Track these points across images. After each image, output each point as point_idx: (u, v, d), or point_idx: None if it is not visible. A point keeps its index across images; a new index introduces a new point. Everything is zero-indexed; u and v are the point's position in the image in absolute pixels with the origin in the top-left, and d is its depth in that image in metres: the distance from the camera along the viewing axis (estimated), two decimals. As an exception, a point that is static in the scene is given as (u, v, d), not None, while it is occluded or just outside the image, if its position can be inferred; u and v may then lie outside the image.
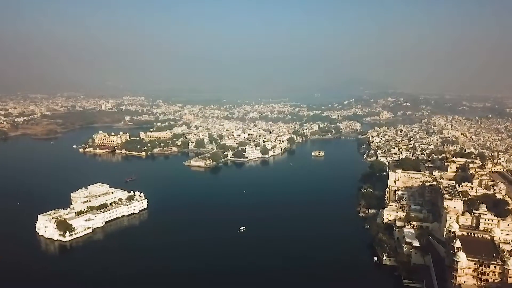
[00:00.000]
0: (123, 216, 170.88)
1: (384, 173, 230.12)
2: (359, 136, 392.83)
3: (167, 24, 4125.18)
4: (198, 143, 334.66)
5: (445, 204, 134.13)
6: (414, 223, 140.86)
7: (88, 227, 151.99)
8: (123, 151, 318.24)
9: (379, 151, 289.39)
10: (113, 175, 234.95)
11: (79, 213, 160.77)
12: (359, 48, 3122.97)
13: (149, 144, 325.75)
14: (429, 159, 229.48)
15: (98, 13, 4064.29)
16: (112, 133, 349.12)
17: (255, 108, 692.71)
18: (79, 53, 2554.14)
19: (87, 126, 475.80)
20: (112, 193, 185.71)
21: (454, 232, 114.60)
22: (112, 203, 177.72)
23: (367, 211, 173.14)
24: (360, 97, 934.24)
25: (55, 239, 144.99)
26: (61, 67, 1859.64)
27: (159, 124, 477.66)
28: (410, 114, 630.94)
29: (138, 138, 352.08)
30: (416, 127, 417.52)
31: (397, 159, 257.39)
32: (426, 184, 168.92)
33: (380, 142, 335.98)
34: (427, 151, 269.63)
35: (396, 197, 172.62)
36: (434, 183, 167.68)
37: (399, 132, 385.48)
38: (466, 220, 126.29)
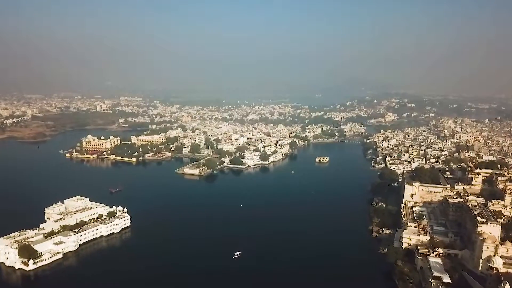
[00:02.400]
0: (101, 236, 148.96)
1: (396, 184, 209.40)
2: (365, 140, 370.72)
3: (167, 24, 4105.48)
4: (193, 147, 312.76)
5: (478, 229, 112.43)
6: (440, 250, 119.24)
7: (58, 252, 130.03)
8: (113, 156, 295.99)
9: (388, 158, 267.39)
10: (97, 185, 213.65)
11: (50, 234, 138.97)
12: (359, 48, 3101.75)
13: (140, 149, 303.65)
14: (446, 168, 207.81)
15: (98, 13, 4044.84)
16: (102, 137, 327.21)
17: (255, 109, 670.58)
18: (79, 53, 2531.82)
19: (78, 129, 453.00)
20: (91, 208, 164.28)
21: (497, 269, 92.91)
22: (90, 220, 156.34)
23: (381, 231, 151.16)
24: (362, 97, 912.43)
25: (17, 267, 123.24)
26: (60, 67, 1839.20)
27: (154, 126, 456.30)
28: (415, 116, 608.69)
29: (129, 142, 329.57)
30: (424, 130, 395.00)
31: (409, 167, 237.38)
32: (450, 200, 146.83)
33: (388, 147, 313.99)
34: (441, 158, 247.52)
35: (414, 214, 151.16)
36: (459, 199, 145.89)
37: (407, 136, 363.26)
38: (507, 250, 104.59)
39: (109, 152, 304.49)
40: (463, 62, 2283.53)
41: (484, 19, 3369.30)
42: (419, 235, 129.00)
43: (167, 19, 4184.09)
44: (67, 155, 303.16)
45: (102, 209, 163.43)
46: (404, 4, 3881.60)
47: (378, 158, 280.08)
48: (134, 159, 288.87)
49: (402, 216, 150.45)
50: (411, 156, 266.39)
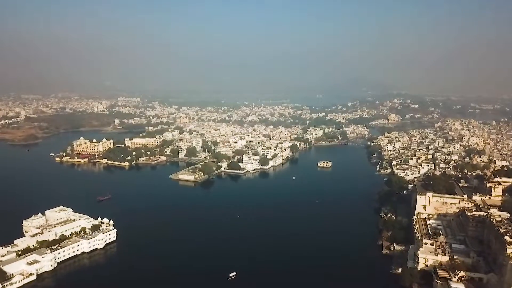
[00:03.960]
0: (83, 253, 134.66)
1: (405, 192, 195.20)
2: (368, 143, 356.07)
3: (167, 24, 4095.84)
4: (189, 151, 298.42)
5: (508, 251, 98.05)
6: (462, 273, 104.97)
7: (31, 274, 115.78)
8: (104, 160, 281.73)
9: (394, 162, 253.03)
10: (85, 192, 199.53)
11: (25, 251, 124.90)
12: (359, 48, 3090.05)
13: (134, 153, 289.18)
14: (459, 174, 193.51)
15: (98, 13, 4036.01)
16: (94, 140, 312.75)
17: (255, 110, 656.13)
18: (79, 53, 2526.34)
19: (72, 130, 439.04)
20: (73, 220, 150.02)
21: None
22: (72, 234, 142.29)
23: (392, 247, 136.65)
24: (364, 98, 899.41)
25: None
26: (60, 67, 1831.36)
27: (150, 128, 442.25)
28: (419, 117, 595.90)
29: (123, 145, 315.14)
30: (430, 133, 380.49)
31: (417, 173, 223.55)
32: (469, 214, 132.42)
33: (393, 150, 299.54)
34: (451, 163, 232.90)
35: (429, 229, 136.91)
36: (479, 212, 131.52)
37: (412, 138, 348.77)
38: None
39: (101, 155, 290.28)
40: (464, 62, 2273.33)
41: (485, 19, 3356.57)
42: (436, 255, 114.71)
43: (167, 19, 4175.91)
44: (57, 159, 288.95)
45: (86, 222, 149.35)
46: (405, 4, 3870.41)
47: (383, 163, 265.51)
48: (127, 163, 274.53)
49: (415, 231, 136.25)
50: (419, 160, 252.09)
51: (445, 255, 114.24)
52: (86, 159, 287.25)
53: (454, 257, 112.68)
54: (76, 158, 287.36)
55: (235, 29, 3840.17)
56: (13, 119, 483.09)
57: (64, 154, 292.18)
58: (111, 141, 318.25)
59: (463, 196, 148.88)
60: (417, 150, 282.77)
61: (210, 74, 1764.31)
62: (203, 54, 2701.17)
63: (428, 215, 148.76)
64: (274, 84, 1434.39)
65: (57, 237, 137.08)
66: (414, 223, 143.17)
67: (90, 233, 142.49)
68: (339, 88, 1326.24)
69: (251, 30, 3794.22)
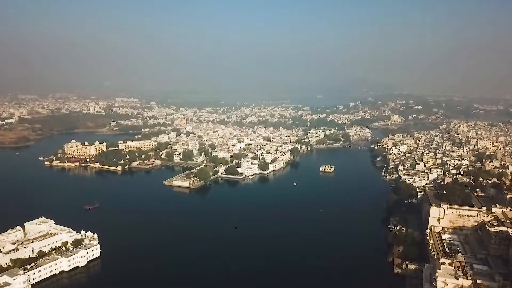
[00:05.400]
0: (62, 272, 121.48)
1: (414, 200, 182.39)
2: (372, 146, 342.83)
3: (167, 24, 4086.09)
4: (185, 155, 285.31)
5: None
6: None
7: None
8: (96, 165, 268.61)
9: (400, 167, 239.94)
10: (72, 200, 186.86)
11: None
12: (359, 48, 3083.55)
13: (127, 156, 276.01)
14: (472, 182, 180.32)
15: (98, 14, 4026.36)
16: (86, 143, 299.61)
17: (255, 111, 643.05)
18: (78, 53, 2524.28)
19: (66, 132, 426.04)
20: (54, 234, 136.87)
21: None
22: (52, 250, 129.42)
23: (404, 265, 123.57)
24: (365, 99, 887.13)
25: None
26: (59, 68, 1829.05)
27: (147, 130, 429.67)
28: (422, 118, 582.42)
29: (116, 148, 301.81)
30: (436, 135, 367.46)
31: (426, 179, 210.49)
32: (490, 229, 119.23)
33: (398, 154, 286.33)
34: (462, 168, 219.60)
35: (445, 245, 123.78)
36: (502, 228, 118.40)
37: (418, 141, 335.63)
38: None
39: (93, 159, 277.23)
40: (464, 62, 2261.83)
41: (485, 19, 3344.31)
42: (457, 278, 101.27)
43: (167, 19, 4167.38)
44: (46, 163, 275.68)
45: (68, 235, 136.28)
46: (405, 5, 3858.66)
47: (389, 167, 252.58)
48: (119, 168, 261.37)
49: (430, 247, 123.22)
50: (427, 165, 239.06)
51: (467, 278, 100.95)
52: (77, 163, 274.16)
53: (478, 281, 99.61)
54: (66, 162, 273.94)
55: (235, 29, 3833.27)
56: (5, 120, 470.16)
57: (54, 158, 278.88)
58: (104, 144, 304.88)
59: (481, 207, 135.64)
60: (424, 154, 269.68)
61: (210, 74, 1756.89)
62: (202, 55, 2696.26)
63: (443, 228, 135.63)
64: (274, 84, 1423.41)
65: (35, 254, 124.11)
66: (428, 237, 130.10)
67: (71, 249, 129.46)
68: (340, 89, 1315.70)
69: (251, 30, 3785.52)
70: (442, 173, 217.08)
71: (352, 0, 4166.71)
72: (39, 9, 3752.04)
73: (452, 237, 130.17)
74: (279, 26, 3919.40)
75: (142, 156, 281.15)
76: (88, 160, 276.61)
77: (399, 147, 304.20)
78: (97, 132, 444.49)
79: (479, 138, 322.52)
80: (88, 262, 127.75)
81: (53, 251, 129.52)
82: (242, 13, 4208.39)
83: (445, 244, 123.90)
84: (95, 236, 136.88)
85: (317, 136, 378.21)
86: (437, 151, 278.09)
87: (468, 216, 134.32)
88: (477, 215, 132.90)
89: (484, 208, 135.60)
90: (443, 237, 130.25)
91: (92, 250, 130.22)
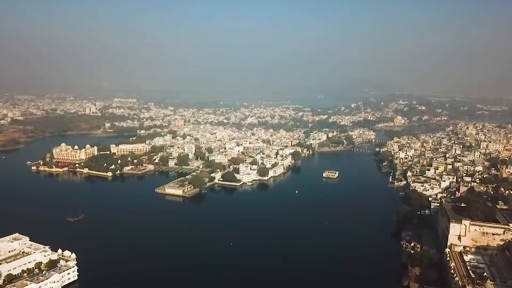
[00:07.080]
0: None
1: (426, 211, 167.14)
2: (377, 149, 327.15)
3: (166, 25, 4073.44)
4: (180, 159, 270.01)
5: None
6: None
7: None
8: (86, 170, 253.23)
9: (409, 173, 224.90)
10: (54, 210, 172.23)
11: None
12: (359, 49, 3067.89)
13: (119, 161, 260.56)
14: (491, 192, 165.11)
15: (98, 14, 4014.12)
16: (76, 147, 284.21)
17: (254, 112, 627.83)
18: (78, 54, 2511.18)
19: (59, 134, 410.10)
20: (27, 254, 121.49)
21: None
22: (23, 272, 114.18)
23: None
24: (367, 99, 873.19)
25: None
26: (59, 68, 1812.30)
27: (142, 131, 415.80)
28: (426, 119, 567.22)
29: (108, 152, 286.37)
30: (443, 138, 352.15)
31: (438, 187, 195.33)
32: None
33: (406, 158, 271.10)
34: (476, 175, 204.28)
35: (469, 268, 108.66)
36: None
37: (425, 144, 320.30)
38: None
39: (82, 164, 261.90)
40: (465, 62, 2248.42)
41: (485, 19, 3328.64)
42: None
43: (166, 19, 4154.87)
44: (33, 168, 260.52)
45: (43, 255, 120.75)
46: (405, 5, 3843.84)
47: (396, 173, 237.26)
48: (109, 173, 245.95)
49: (452, 270, 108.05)
50: (437, 171, 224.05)
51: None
52: (66, 168, 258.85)
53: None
54: (54, 167, 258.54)
55: (235, 29, 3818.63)
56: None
57: (42, 163, 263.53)
58: (95, 147, 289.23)
59: (508, 224, 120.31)
60: (433, 159, 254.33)
61: (210, 75, 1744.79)
62: (202, 55, 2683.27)
63: (464, 247, 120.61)
64: (274, 85, 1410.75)
65: (2, 279, 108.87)
66: (448, 258, 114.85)
67: (44, 272, 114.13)
68: (340, 89, 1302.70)
69: (251, 30, 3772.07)
70: (454, 180, 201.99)
71: (353, 0, 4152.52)
72: (39, 10, 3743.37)
73: (475, 258, 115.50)
74: (279, 26, 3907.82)
75: (135, 161, 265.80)
76: (77, 165, 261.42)
77: (406, 150, 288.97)
78: (90, 134, 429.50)
79: (489, 141, 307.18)
80: (63, 287, 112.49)
81: (25, 274, 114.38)
82: (242, 13, 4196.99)
83: (469, 267, 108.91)
84: (73, 256, 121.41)
85: (319, 139, 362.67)
86: (447, 155, 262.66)
87: (493, 234, 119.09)
88: (504, 233, 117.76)
89: (511, 225, 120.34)
90: (466, 258, 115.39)
91: (68, 274, 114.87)
